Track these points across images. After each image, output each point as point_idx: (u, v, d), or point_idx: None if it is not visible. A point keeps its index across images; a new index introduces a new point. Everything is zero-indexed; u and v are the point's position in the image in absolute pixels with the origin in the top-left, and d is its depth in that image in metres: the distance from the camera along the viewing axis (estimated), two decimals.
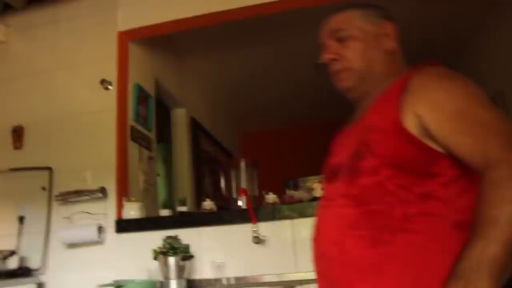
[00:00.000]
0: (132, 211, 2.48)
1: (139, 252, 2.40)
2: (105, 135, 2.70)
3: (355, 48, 1.21)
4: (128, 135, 2.73)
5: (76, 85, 2.88)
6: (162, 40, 3.40)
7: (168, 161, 3.78)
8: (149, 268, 2.33)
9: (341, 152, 1.17)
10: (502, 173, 0.87)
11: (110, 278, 2.38)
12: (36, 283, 2.66)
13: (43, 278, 2.69)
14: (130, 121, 2.78)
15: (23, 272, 2.64)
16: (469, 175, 0.99)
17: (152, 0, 2.91)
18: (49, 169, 2.77)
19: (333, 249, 1.05)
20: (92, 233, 2.49)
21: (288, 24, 3.51)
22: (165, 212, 2.48)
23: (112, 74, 2.79)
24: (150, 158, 2.99)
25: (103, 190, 2.58)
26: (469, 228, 0.89)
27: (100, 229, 2.53)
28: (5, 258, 2.57)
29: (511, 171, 0.87)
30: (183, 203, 2.55)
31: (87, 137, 2.75)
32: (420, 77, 1.06)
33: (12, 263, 2.65)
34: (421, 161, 1.00)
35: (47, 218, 2.72)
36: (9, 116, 2.98)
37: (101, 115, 2.74)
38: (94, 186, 2.61)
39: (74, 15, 3.02)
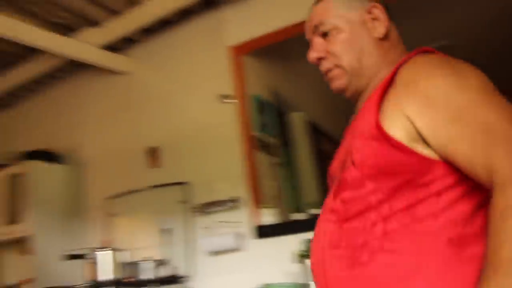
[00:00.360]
0: (269, 217, 2.59)
1: (278, 256, 2.49)
2: (230, 147, 2.85)
3: (341, 41, 1.04)
4: (253, 145, 2.84)
5: (197, 103, 3.08)
6: (273, 48, 3.49)
7: (289, 165, 3.85)
8: (291, 271, 2.41)
9: (336, 158, 1.05)
10: None
11: (253, 282, 2.50)
12: None
13: (190, 284, 2.91)
14: (254, 131, 2.90)
15: (173, 279, 2.88)
16: (469, 179, 0.80)
17: (257, 12, 3.00)
18: (186, 183, 2.99)
19: (317, 269, 0.94)
20: (232, 240, 2.65)
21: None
22: (298, 216, 2.55)
23: (229, 88, 2.93)
24: (276, 164, 3.08)
25: (237, 199, 2.72)
26: (468, 242, 0.77)
27: (239, 236, 2.66)
28: (157, 266, 2.81)
29: None
30: (314, 205, 2.60)
31: (215, 150, 2.92)
32: (408, 70, 0.88)
33: (161, 271, 2.89)
34: (409, 170, 0.83)
35: (188, 229, 2.93)
36: (143, 139, 3.27)
37: (224, 128, 2.90)
38: (228, 196, 2.76)
39: (186, 38, 3.23)
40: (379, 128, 0.84)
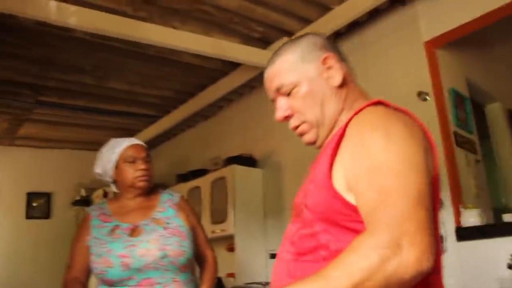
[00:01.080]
0: (471, 218, 2.43)
1: (483, 260, 2.33)
2: None
3: (302, 97, 1.07)
4: (452, 142, 2.71)
5: (393, 102, 3.03)
6: (466, 38, 3.29)
7: (489, 161, 3.56)
8: (500, 277, 2.22)
9: (299, 194, 1.08)
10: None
11: (457, 285, 2.37)
12: None
13: None
14: (453, 127, 2.76)
15: None
16: None
17: (452, 3, 2.86)
18: None
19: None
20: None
21: None
22: (508, 217, 2.34)
23: (425, 84, 2.84)
24: (477, 161, 2.88)
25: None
26: None
27: (441, 238, 2.54)
28: None
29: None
30: None
31: None
32: (352, 124, 0.96)
33: None
34: (347, 216, 0.91)
35: None
36: None
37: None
38: None
39: (378, 36, 3.22)
40: (327, 178, 0.93)
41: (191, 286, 1.83)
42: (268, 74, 1.13)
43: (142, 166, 1.89)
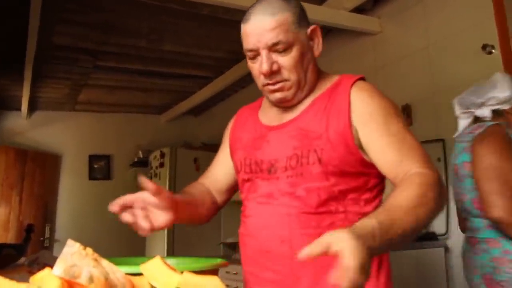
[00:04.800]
0: None
1: None
2: None
3: (293, 57, 1.12)
4: None
5: (454, 56, 2.92)
6: None
7: None
8: None
9: (272, 149, 1.17)
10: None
11: None
12: (443, 247, 2.83)
13: (448, 242, 2.85)
14: None
15: (431, 236, 2.86)
16: (382, 182, 1.17)
17: None
18: (442, 140, 2.90)
19: (281, 246, 1.10)
20: None
21: None
22: None
23: (490, 36, 2.69)
24: None
25: None
26: None
27: None
28: None
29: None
30: None
31: None
32: (358, 92, 1.13)
33: None
34: (360, 170, 1.11)
35: (446, 187, 2.86)
36: (397, 97, 3.25)
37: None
38: None
39: None
40: (347, 138, 1.08)
41: None
42: (262, 24, 1.10)
43: None
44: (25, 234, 2.39)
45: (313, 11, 3.26)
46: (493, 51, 2.67)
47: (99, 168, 6.12)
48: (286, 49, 1.10)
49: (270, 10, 1.10)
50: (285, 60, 1.11)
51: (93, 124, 6.11)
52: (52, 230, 5.65)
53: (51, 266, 0.69)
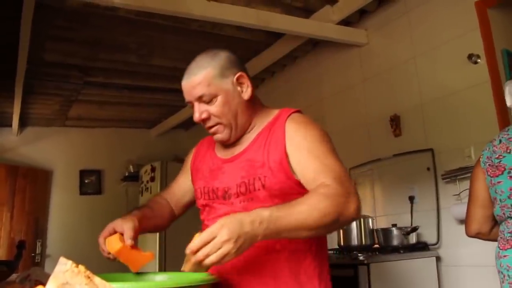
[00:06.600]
0: None
1: None
2: (481, 110, 2.68)
3: (220, 105, 1.32)
4: (505, 105, 2.62)
5: (441, 66, 2.96)
6: None
7: None
8: None
9: (226, 178, 1.37)
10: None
11: None
12: (434, 257, 2.85)
13: (439, 252, 2.87)
14: None
15: (422, 246, 2.88)
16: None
17: None
18: (431, 150, 2.94)
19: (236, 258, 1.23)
20: None
21: None
22: None
23: (476, 46, 2.74)
24: None
25: None
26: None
27: None
28: (407, 234, 2.84)
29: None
30: None
31: (462, 115, 2.79)
32: (292, 124, 1.33)
33: (410, 239, 2.91)
34: (298, 191, 1.25)
35: (436, 196, 2.89)
36: (385, 107, 3.31)
37: (473, 90, 2.74)
38: None
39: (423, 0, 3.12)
40: (285, 165, 1.28)
41: None
42: (190, 82, 1.32)
43: None
44: (17, 251, 2.38)
45: (300, 24, 3.31)
46: (479, 60, 2.72)
47: (90, 183, 6.08)
48: (211, 99, 1.31)
49: (195, 70, 1.32)
50: (212, 108, 1.32)
51: (84, 139, 6.08)
52: (44, 246, 5.59)
53: (43, 283, 0.70)
